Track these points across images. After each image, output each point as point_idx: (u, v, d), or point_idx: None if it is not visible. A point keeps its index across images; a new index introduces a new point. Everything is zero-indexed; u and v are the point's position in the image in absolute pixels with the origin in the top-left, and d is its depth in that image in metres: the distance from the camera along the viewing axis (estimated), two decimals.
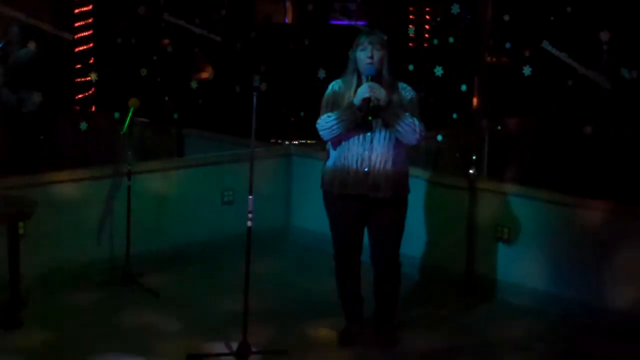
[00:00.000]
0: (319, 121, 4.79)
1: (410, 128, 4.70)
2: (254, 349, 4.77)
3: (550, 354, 5.18)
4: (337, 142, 4.82)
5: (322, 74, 6.74)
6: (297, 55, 7.81)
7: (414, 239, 5.54)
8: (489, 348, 5.19)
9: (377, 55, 4.71)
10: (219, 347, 4.96)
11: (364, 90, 4.64)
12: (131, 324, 5.34)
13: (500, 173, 6.95)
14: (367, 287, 5.13)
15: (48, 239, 5.85)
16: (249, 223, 4.78)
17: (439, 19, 10.77)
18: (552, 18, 6.80)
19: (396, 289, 5.09)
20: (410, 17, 11.18)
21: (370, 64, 4.70)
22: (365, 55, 4.72)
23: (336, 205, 4.91)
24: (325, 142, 5.01)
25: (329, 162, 4.93)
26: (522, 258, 5.84)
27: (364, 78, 4.76)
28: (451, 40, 6.64)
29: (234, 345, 4.80)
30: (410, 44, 9.44)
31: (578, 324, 5.49)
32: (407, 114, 4.72)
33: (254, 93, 4.69)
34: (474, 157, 6.09)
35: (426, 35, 10.64)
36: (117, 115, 6.56)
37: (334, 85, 4.89)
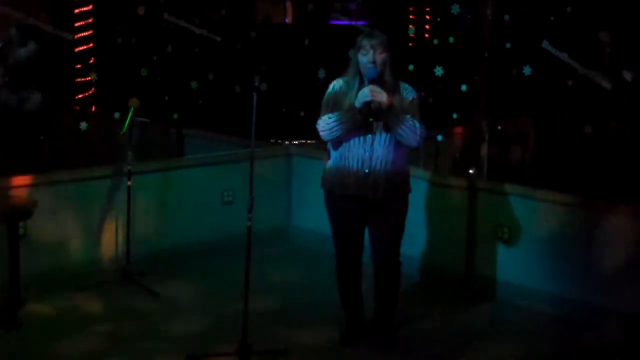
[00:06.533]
0: (319, 122, 4.79)
1: (411, 131, 4.70)
2: (254, 349, 4.77)
3: (550, 354, 5.17)
4: (337, 142, 4.82)
5: (322, 73, 6.74)
6: (297, 55, 7.80)
7: (414, 239, 5.53)
8: (489, 348, 5.19)
9: (379, 58, 4.70)
10: (219, 347, 4.96)
11: (365, 94, 4.62)
12: (131, 324, 5.34)
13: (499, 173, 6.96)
14: (367, 288, 5.14)
15: (48, 239, 5.85)
16: (249, 223, 4.79)
17: (439, 19, 10.80)
18: (552, 18, 6.81)
19: (396, 288, 5.09)
20: (410, 17, 11.21)
21: (372, 68, 4.69)
22: (367, 59, 4.70)
23: (337, 205, 4.92)
24: (325, 142, 5.01)
25: (330, 163, 4.94)
26: (522, 258, 5.83)
27: (365, 81, 4.74)
28: (451, 40, 6.65)
29: (234, 346, 4.79)
30: (410, 44, 9.45)
31: (578, 324, 5.48)
32: (408, 116, 4.71)
33: (254, 93, 4.69)
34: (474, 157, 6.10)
35: (426, 36, 10.66)
36: (117, 115, 6.56)
37: (335, 85, 4.87)
